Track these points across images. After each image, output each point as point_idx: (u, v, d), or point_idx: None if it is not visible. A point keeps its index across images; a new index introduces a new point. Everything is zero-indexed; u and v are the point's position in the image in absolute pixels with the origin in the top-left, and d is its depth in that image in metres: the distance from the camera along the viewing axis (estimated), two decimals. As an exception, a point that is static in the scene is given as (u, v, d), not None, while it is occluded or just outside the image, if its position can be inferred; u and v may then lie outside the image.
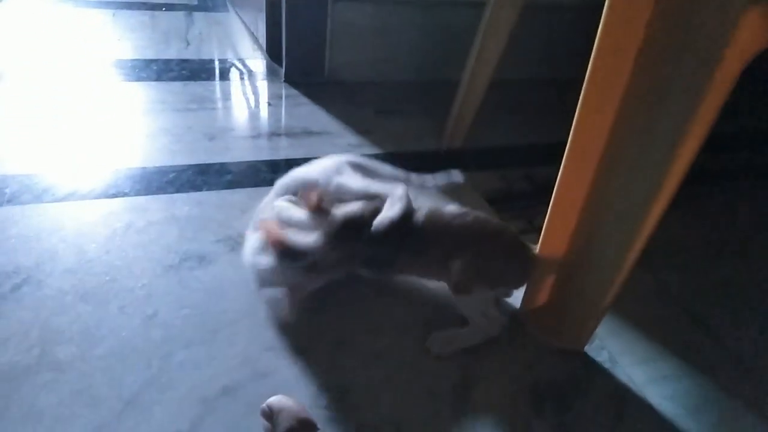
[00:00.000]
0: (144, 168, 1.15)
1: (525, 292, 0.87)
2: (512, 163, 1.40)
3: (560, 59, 1.82)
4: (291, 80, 1.72)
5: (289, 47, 1.68)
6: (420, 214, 0.83)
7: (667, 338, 0.88)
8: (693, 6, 0.55)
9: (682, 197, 0.66)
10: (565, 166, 0.74)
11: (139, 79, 1.61)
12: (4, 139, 1.20)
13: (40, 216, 0.96)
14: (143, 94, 1.52)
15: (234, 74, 1.78)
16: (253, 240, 0.84)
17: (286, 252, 0.76)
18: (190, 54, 1.87)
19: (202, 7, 2.54)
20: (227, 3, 2.68)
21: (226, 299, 0.84)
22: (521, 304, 0.88)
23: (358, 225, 0.80)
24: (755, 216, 1.33)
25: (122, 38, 1.93)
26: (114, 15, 2.16)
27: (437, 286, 0.86)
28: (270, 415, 0.47)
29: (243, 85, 1.73)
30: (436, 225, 0.83)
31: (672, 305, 0.97)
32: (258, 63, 1.89)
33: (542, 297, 0.84)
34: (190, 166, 1.17)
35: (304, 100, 1.61)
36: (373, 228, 0.78)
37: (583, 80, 0.67)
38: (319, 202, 0.82)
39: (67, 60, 1.67)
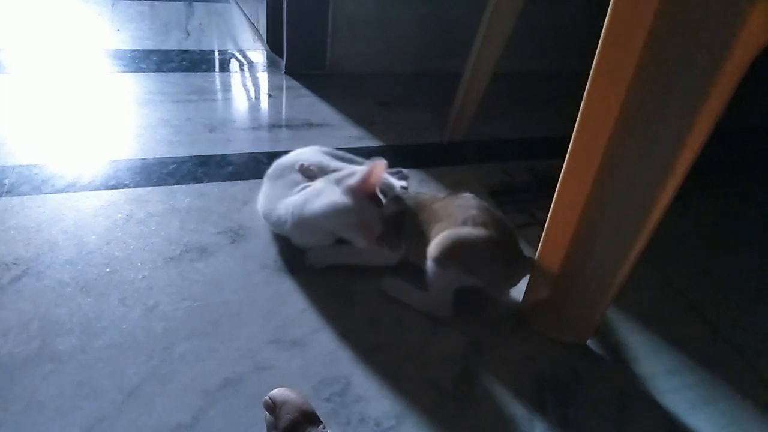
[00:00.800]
0: (144, 159, 1.14)
1: (528, 286, 0.86)
2: (515, 155, 1.39)
3: (564, 51, 1.81)
4: (292, 72, 1.71)
5: (290, 38, 1.66)
6: (426, 201, 0.85)
7: (670, 332, 0.88)
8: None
9: (686, 190, 0.66)
10: (569, 159, 0.73)
11: (138, 69, 1.59)
12: (3, 129, 1.19)
13: (39, 207, 0.95)
14: (143, 85, 1.50)
15: (234, 65, 1.77)
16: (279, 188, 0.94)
17: (381, 193, 0.84)
18: (190, 45, 1.86)
19: (202, -2, 2.52)
20: (227, -6, 2.66)
21: (227, 291, 0.83)
22: (524, 297, 0.87)
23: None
24: (760, 209, 1.32)
25: (121, 28, 1.92)
26: (113, 5, 2.14)
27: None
28: (272, 407, 0.46)
29: (243, 76, 1.72)
30: (439, 212, 0.84)
31: (676, 299, 0.96)
32: (258, 54, 1.88)
33: (545, 290, 0.84)
34: (190, 158, 1.17)
35: (305, 91, 1.60)
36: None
37: (586, 73, 0.67)
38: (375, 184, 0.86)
39: (67, 50, 1.66)
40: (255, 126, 1.37)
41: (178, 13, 2.18)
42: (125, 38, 1.84)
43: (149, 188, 1.05)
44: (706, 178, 1.37)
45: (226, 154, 1.20)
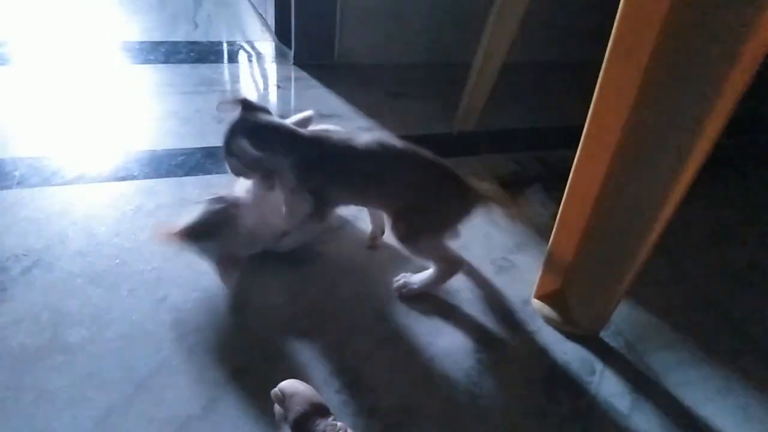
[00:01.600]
0: (153, 151, 1.14)
1: (539, 277, 0.85)
2: (525, 146, 1.37)
3: (576, 41, 1.78)
4: (300, 63, 1.70)
5: (299, 29, 1.65)
6: (348, 141, 0.81)
7: (684, 324, 0.86)
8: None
9: (700, 180, 0.64)
10: (582, 150, 0.72)
11: (146, 61, 1.59)
12: (12, 122, 1.19)
13: (49, 199, 0.95)
14: (151, 76, 1.50)
15: (242, 57, 1.76)
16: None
17: (188, 236, 0.75)
18: (198, 36, 1.85)
19: (210, -11, 2.51)
20: (235, -15, 2.65)
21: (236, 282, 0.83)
22: (535, 289, 0.86)
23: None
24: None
25: (129, 20, 1.92)
26: (121, -3, 2.14)
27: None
28: (282, 399, 0.46)
29: (252, 67, 1.71)
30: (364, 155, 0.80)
31: (690, 290, 0.95)
32: (267, 45, 1.87)
33: (557, 282, 0.83)
34: (199, 149, 1.16)
35: (313, 82, 1.59)
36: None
37: (597, 63, 0.65)
38: None
39: (75, 42, 1.66)
40: (263, 117, 1.36)
41: (186, 5, 2.17)
42: (133, 30, 1.84)
43: (158, 180, 1.05)
44: (722, 168, 1.35)
45: (234, 146, 1.19)
